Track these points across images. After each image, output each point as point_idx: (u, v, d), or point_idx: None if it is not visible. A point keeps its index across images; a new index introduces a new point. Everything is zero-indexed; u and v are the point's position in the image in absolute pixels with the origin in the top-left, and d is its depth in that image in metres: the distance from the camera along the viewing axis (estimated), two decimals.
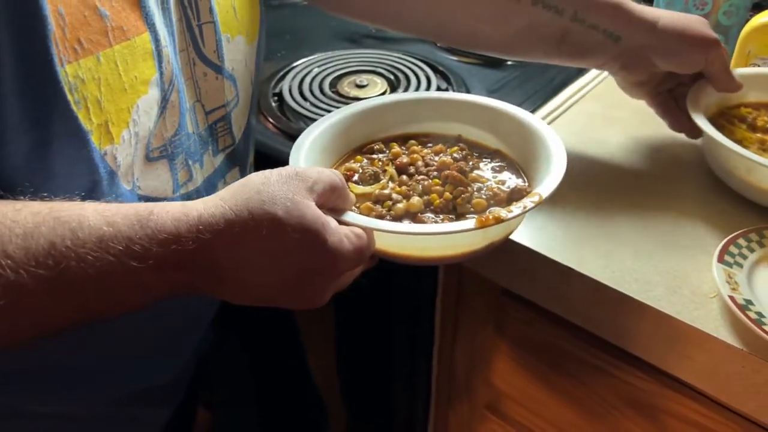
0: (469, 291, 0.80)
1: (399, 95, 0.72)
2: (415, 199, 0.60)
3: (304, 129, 0.84)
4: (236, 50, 0.65)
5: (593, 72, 0.98)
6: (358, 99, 0.91)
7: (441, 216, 0.60)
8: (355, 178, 0.64)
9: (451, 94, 0.73)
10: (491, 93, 0.94)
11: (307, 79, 0.95)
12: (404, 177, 0.64)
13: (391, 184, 0.63)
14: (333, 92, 0.93)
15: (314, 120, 0.86)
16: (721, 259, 0.62)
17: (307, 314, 0.96)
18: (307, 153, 0.61)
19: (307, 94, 0.92)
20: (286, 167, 0.49)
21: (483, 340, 0.82)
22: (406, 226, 0.57)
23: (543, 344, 0.74)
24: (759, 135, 0.74)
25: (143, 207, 0.43)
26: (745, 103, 0.79)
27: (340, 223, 0.50)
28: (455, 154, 0.67)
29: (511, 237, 0.67)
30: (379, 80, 0.95)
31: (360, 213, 0.59)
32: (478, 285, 0.78)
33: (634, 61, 0.72)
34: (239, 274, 0.45)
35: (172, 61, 0.56)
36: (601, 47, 0.71)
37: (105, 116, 0.49)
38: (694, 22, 0.71)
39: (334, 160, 0.68)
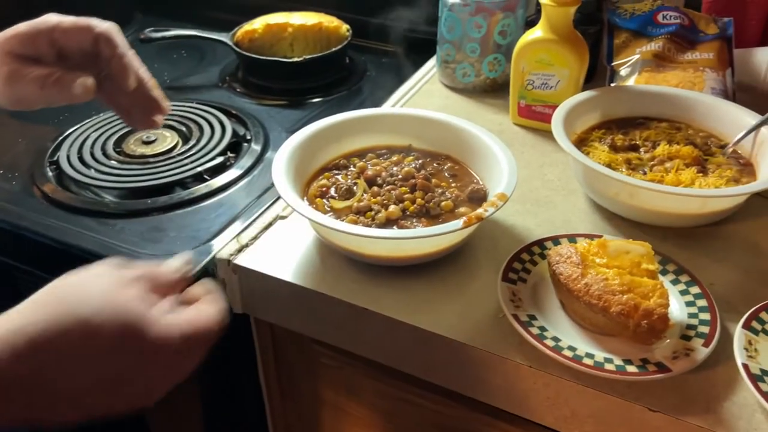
0: (283, 347, 0.76)
1: (348, 114, 0.77)
2: (393, 207, 0.68)
3: (89, 199, 0.78)
4: None
5: (396, 96, 0.99)
6: (145, 156, 0.86)
7: (415, 220, 0.67)
8: (332, 193, 0.71)
9: (396, 110, 0.86)
10: (293, 132, 0.91)
11: (88, 143, 0.88)
12: (375, 188, 0.71)
13: (365, 196, 0.70)
14: (118, 153, 0.87)
15: (101, 187, 0.81)
16: (505, 277, 0.63)
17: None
18: (286, 178, 0.66)
19: (89, 159, 0.85)
20: (106, 261, 0.47)
21: (307, 395, 0.78)
22: (411, 231, 0.64)
23: (357, 388, 0.72)
24: (622, 155, 0.76)
25: None
26: (593, 126, 0.81)
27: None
28: (413, 164, 0.74)
29: (308, 285, 0.65)
30: (168, 133, 0.91)
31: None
32: (290, 340, 0.75)
33: None
34: (57, 385, 0.42)
35: None
36: None
37: None
38: None
39: (304, 181, 0.73)
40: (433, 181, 0.72)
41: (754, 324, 0.58)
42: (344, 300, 0.64)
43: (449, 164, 0.76)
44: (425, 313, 0.62)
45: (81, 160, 0.85)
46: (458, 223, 0.62)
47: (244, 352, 0.79)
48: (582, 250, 0.61)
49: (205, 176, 0.83)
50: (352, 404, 0.74)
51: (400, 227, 0.66)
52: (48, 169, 0.84)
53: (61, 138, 0.90)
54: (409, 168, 0.73)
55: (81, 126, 0.92)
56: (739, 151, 0.76)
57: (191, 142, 0.89)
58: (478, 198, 0.69)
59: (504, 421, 0.64)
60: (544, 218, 0.74)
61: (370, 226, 0.66)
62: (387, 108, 0.94)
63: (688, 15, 0.95)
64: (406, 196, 0.69)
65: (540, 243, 0.67)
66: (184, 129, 0.92)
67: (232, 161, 0.87)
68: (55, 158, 0.86)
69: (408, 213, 0.68)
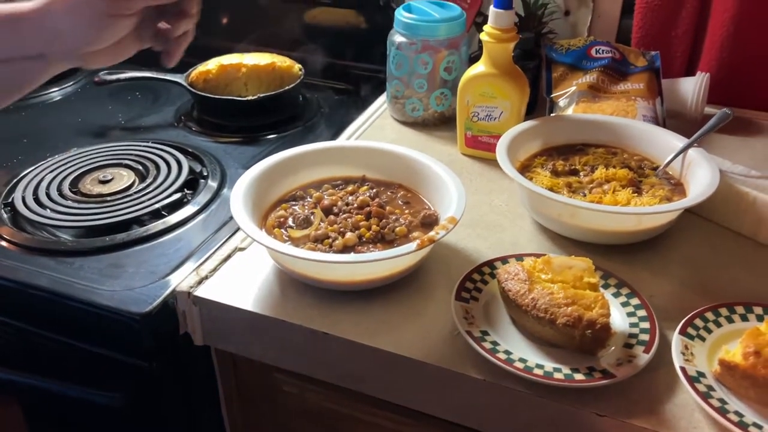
0: (245, 378, 0.77)
1: (303, 147, 0.81)
2: (349, 234, 0.70)
3: (46, 239, 0.79)
4: None
5: (349, 130, 1.02)
6: (102, 195, 0.87)
7: (371, 246, 0.70)
8: (290, 222, 0.73)
9: (350, 142, 0.90)
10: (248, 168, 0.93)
11: (44, 184, 0.88)
12: (331, 217, 0.74)
13: (322, 225, 0.72)
14: (74, 192, 0.88)
15: (57, 227, 0.81)
16: (458, 297, 0.66)
17: None
18: (244, 210, 0.69)
19: (44, 200, 0.85)
20: None
21: (270, 424, 0.79)
22: (368, 255, 0.66)
23: (320, 413, 0.73)
24: (563, 179, 0.80)
25: None
26: (535, 153, 0.86)
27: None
28: (368, 193, 0.77)
29: (267, 313, 0.67)
30: (125, 172, 0.92)
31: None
32: (251, 370, 0.76)
33: (80, 57, 0.64)
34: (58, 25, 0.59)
35: None
36: (34, 70, 0.63)
37: None
38: None
39: (262, 213, 0.75)
40: (387, 208, 0.75)
41: (690, 330, 0.62)
42: (304, 326, 0.65)
43: (402, 192, 0.79)
44: (383, 335, 0.64)
45: (37, 201, 0.85)
46: (412, 245, 0.65)
47: (205, 384, 0.79)
48: (528, 267, 0.64)
49: (163, 213, 0.84)
50: (315, 431, 0.75)
51: (357, 253, 0.69)
52: (2, 211, 0.84)
53: (15, 180, 0.90)
54: (364, 197, 0.76)
55: (35, 168, 0.93)
56: (670, 172, 0.82)
57: (148, 180, 0.90)
58: (430, 223, 0.73)
59: None
60: (493, 241, 0.77)
61: (327, 253, 0.68)
62: (341, 141, 0.98)
63: (619, 49, 1.02)
64: (362, 223, 0.72)
65: (490, 263, 0.71)
66: (140, 168, 0.93)
67: (189, 198, 0.88)
68: (10, 200, 0.86)
69: (364, 239, 0.71)
